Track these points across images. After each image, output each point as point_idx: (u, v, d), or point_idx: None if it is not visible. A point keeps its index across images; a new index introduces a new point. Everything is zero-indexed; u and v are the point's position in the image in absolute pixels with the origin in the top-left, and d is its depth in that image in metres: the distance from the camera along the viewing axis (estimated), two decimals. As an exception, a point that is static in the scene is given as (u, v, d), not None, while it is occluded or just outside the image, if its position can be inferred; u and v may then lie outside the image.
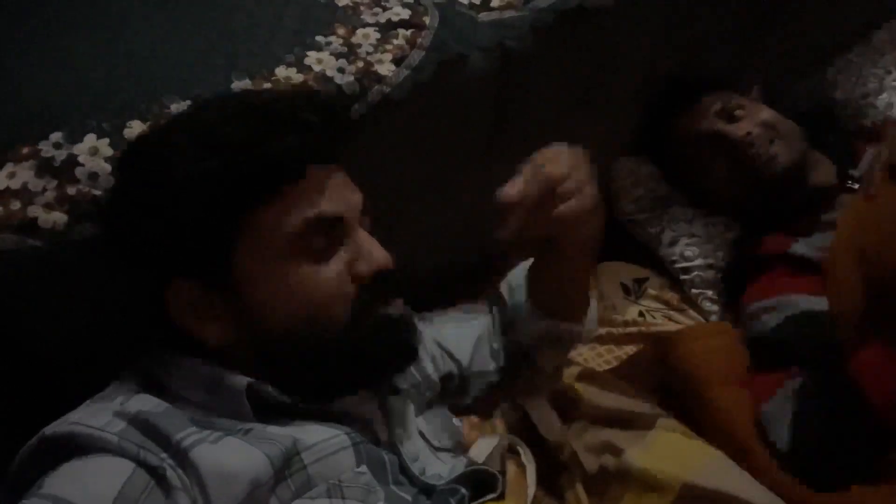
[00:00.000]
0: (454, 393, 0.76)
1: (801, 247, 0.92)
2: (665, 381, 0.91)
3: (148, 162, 0.55)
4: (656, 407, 0.86)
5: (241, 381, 0.54)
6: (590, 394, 0.87)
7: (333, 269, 0.55)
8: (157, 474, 0.46)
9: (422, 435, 0.65)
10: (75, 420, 0.49)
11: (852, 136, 1.10)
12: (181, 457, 0.48)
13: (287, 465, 0.51)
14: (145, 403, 0.51)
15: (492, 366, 0.77)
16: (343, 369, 0.56)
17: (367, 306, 0.56)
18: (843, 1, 1.21)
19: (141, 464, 0.46)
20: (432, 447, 0.65)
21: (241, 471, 0.48)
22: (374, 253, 0.57)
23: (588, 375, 0.88)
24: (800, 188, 0.98)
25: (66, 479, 0.45)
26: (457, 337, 0.75)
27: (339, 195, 0.56)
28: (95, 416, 0.49)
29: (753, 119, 1.00)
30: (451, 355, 0.74)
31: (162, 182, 0.53)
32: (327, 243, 0.55)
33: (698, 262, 1.04)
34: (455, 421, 0.71)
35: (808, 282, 0.86)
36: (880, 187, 0.85)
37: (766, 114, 1.01)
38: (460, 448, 0.68)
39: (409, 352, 0.60)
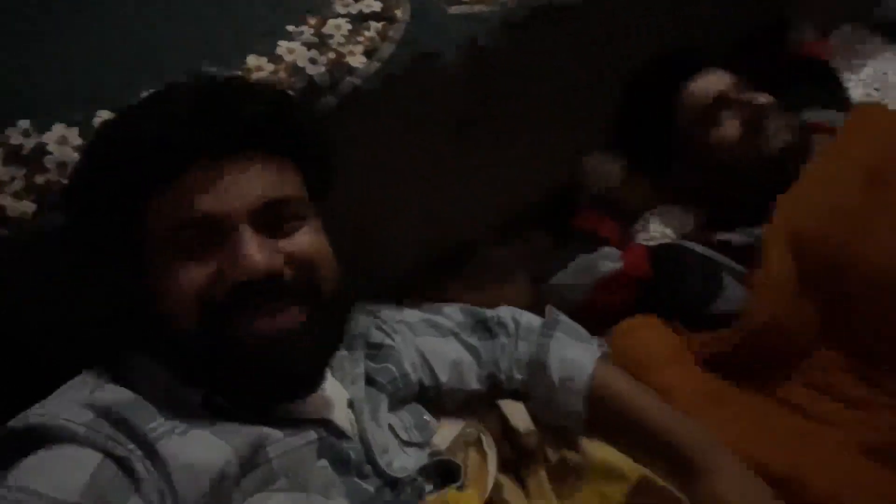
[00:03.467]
0: (429, 403, 0.76)
1: (726, 235, 1.00)
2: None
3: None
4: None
5: (196, 394, 0.54)
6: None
7: (198, 269, 0.53)
8: (124, 465, 0.47)
9: (391, 429, 0.66)
10: (41, 412, 0.49)
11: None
12: (149, 449, 0.48)
13: (253, 458, 0.52)
14: (115, 394, 0.52)
15: (472, 386, 0.77)
16: (216, 379, 0.54)
17: (225, 313, 0.52)
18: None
19: (108, 454, 0.47)
20: (401, 441, 0.66)
21: (207, 463, 0.49)
22: (244, 257, 0.52)
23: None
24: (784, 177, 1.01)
25: (34, 470, 0.46)
26: (438, 352, 0.76)
27: (222, 193, 0.53)
28: (62, 407, 0.49)
29: (763, 97, 1.03)
30: (430, 369, 0.75)
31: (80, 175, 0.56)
32: (201, 242, 0.53)
33: (656, 234, 1.08)
34: (426, 416, 0.72)
35: None
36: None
37: (769, 98, 1.04)
38: (429, 443, 0.69)
39: (289, 374, 0.55)
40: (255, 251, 0.52)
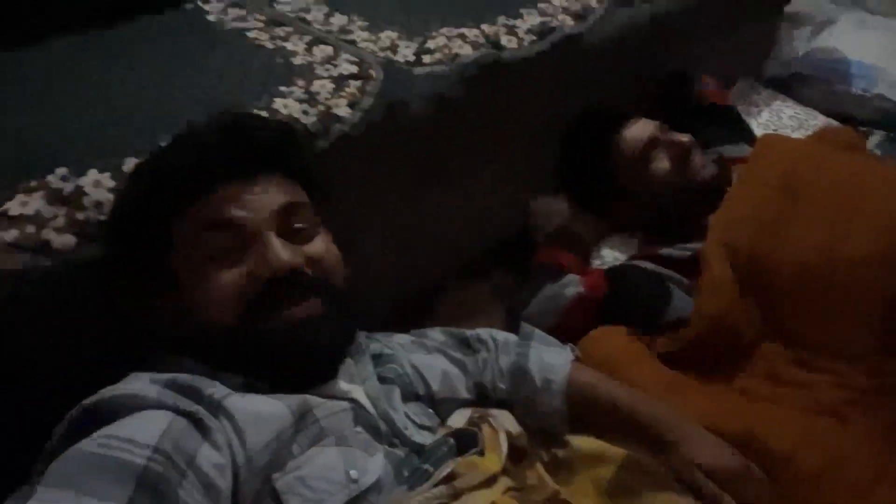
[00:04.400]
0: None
1: (667, 250, 1.14)
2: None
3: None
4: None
5: (237, 379, 0.61)
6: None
7: (232, 272, 0.60)
8: (193, 418, 0.53)
9: (406, 415, 0.72)
10: (113, 388, 0.55)
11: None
12: (214, 406, 0.55)
13: (303, 418, 0.59)
14: (173, 375, 0.58)
15: (462, 395, 0.84)
16: (255, 366, 0.61)
17: (260, 308, 0.60)
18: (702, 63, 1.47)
19: (179, 412, 0.53)
20: (416, 424, 0.72)
21: (268, 415, 0.56)
22: (270, 256, 0.60)
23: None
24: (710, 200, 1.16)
25: (116, 427, 0.51)
26: (428, 365, 0.83)
27: (248, 204, 0.62)
28: (132, 384, 0.56)
29: (685, 136, 1.20)
30: (424, 379, 0.82)
31: (119, 206, 0.65)
32: (229, 248, 0.61)
33: (608, 259, 1.22)
34: (430, 410, 0.79)
35: None
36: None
37: (690, 137, 1.21)
38: (438, 429, 0.76)
39: (317, 352, 0.63)
40: (281, 251, 0.61)
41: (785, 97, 1.63)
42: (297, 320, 0.61)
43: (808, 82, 1.72)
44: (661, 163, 1.19)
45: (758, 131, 1.51)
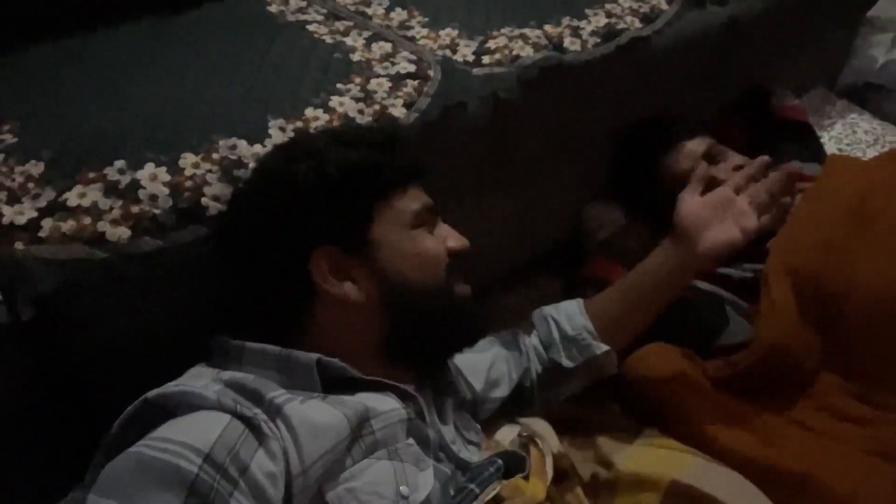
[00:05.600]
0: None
1: (727, 269, 1.09)
2: (628, 390, 1.00)
3: (302, 159, 0.66)
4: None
5: (311, 356, 0.61)
6: (579, 414, 0.96)
7: (436, 239, 0.71)
8: (251, 424, 0.52)
9: (455, 427, 0.72)
10: (177, 383, 0.56)
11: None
12: (273, 412, 0.54)
13: (360, 428, 0.58)
14: (236, 374, 0.58)
15: (504, 392, 0.85)
16: (438, 327, 0.69)
17: (452, 273, 0.71)
18: (774, 70, 1.40)
19: (237, 416, 0.52)
20: (463, 438, 0.72)
21: (327, 426, 0.55)
22: (457, 234, 0.74)
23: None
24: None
25: (173, 427, 0.51)
26: (471, 364, 0.83)
27: (425, 197, 0.73)
28: (195, 380, 0.56)
29: (730, 163, 1.14)
30: (466, 381, 0.82)
31: (320, 172, 0.65)
32: (431, 223, 0.72)
33: None
34: (476, 424, 0.78)
35: None
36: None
37: (739, 158, 1.15)
38: (482, 446, 0.75)
39: (476, 330, 0.73)
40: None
41: (861, 110, 1.55)
42: (468, 297, 0.72)
43: (886, 94, 1.62)
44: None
45: (830, 145, 1.44)
